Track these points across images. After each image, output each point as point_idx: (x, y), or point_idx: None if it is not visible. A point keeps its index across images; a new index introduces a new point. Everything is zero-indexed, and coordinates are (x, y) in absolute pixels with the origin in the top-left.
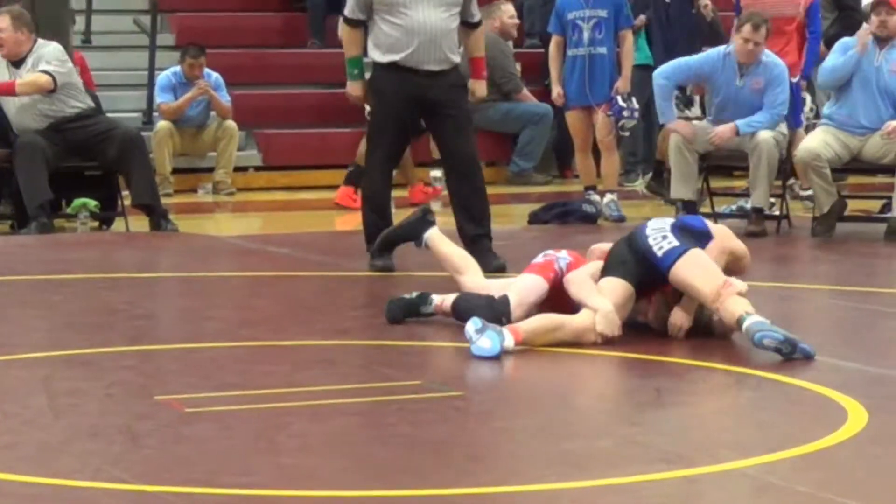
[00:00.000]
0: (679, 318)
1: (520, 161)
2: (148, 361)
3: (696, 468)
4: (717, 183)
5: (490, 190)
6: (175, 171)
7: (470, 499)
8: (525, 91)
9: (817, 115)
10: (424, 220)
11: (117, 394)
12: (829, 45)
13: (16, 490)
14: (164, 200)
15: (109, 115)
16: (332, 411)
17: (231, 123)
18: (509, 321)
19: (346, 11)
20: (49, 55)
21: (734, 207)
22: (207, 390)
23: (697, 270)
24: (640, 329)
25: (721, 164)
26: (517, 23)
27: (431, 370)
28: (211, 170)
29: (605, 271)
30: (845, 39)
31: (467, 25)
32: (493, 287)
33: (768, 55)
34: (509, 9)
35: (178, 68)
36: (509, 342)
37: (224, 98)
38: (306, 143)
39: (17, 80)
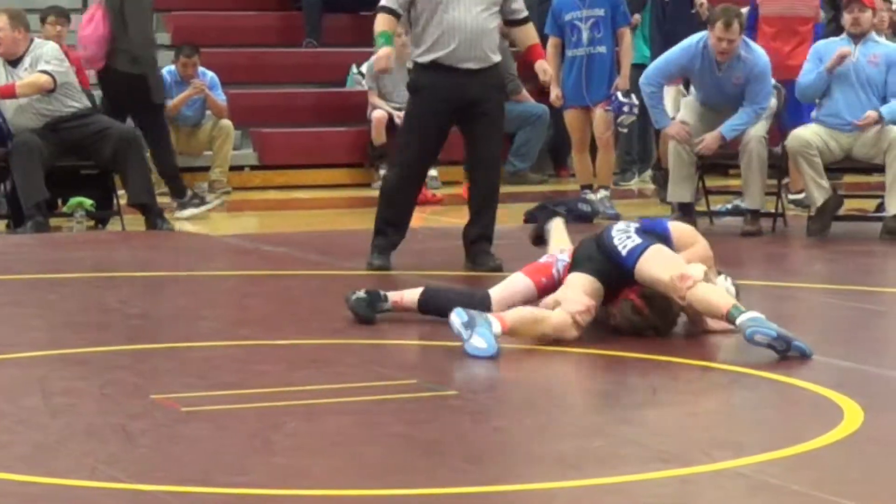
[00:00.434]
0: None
1: (516, 161)
2: (143, 361)
3: (692, 467)
4: (712, 181)
5: None
6: None
7: (465, 499)
8: (524, 92)
9: None
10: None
11: (113, 393)
12: None
13: (11, 489)
14: (159, 199)
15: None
16: (327, 411)
17: (227, 122)
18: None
19: (384, 1)
20: (47, 54)
21: (730, 206)
22: (203, 389)
23: (661, 263)
24: None
25: (716, 161)
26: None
27: (426, 369)
28: (206, 169)
29: (573, 268)
30: (818, 45)
31: (514, 23)
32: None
33: (749, 50)
34: None
35: (173, 67)
36: (497, 329)
37: (220, 97)
38: (302, 142)
39: (17, 81)
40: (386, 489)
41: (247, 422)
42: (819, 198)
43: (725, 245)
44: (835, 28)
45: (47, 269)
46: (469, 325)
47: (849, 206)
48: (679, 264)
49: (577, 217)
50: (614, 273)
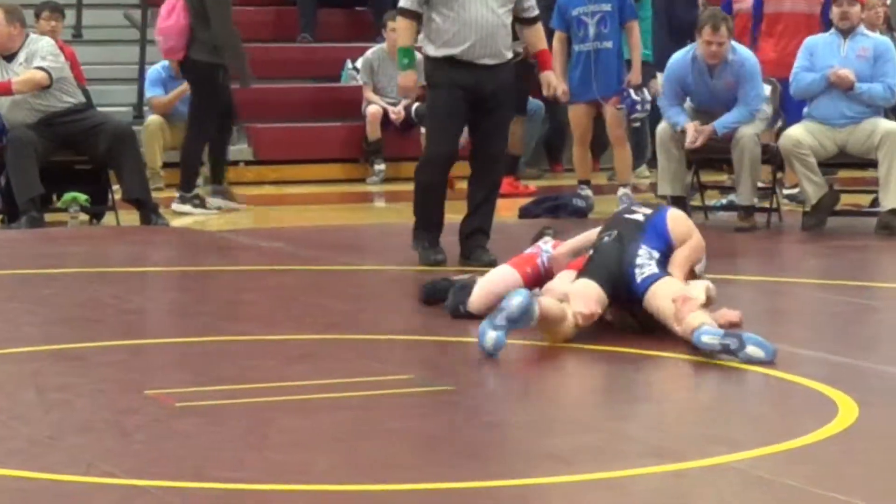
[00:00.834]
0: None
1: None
2: (138, 356)
3: (686, 462)
4: (706, 177)
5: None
6: (165, 165)
7: (459, 494)
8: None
9: None
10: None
11: (107, 388)
12: None
13: (6, 485)
14: (154, 195)
15: (100, 109)
16: (322, 406)
17: None
18: (466, 310)
19: (403, 2)
20: (43, 50)
21: (724, 201)
22: (197, 385)
23: (666, 291)
24: None
25: (710, 156)
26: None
27: (421, 364)
28: (201, 164)
29: (588, 269)
30: (809, 42)
31: (524, 21)
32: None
33: (737, 51)
34: None
35: (167, 62)
36: (533, 319)
37: None
38: (297, 137)
39: (13, 78)
40: (381, 484)
41: (242, 417)
42: (814, 195)
43: (720, 240)
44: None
45: (42, 264)
46: (513, 321)
47: (844, 200)
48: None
49: (572, 212)
50: (624, 291)
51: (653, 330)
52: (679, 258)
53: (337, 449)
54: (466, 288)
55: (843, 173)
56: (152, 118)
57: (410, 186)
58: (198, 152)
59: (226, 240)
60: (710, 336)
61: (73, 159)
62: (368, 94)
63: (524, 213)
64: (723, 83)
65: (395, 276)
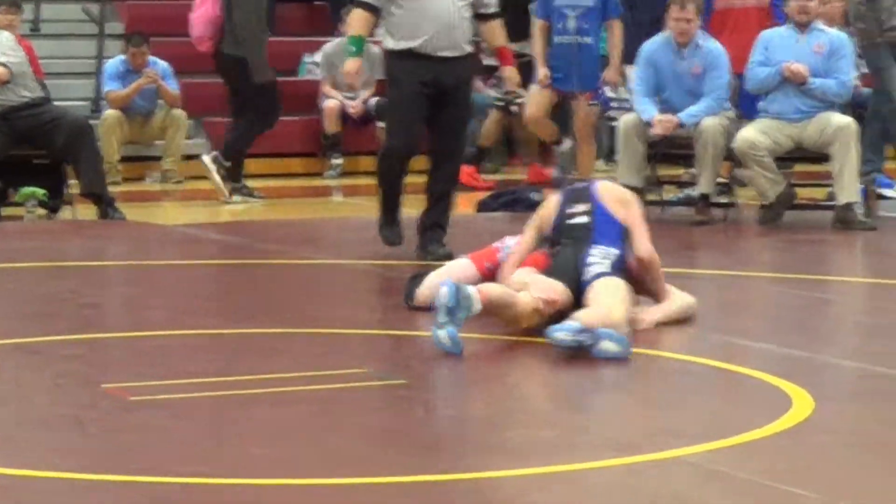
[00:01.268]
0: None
1: (468, 150)
2: (95, 350)
3: (641, 456)
4: (664, 171)
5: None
6: (123, 159)
7: (418, 488)
8: (478, 83)
9: None
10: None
11: (64, 383)
12: None
13: None
14: (111, 189)
15: (58, 103)
16: (279, 400)
17: (179, 112)
18: (411, 301)
19: None
20: (2, 45)
21: (681, 195)
22: (154, 379)
23: (601, 290)
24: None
25: (669, 151)
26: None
27: (378, 358)
28: (159, 158)
29: (552, 274)
30: (764, 35)
31: (483, 17)
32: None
33: (706, 39)
34: None
35: (124, 56)
36: (476, 308)
37: (172, 86)
38: None
39: None
40: (339, 478)
41: (199, 411)
42: (771, 192)
43: (677, 234)
44: None
45: None
46: (451, 312)
47: (800, 194)
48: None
49: (530, 206)
50: (580, 293)
51: None
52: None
53: (294, 443)
54: (419, 279)
55: (799, 167)
56: (109, 112)
57: (368, 180)
58: (244, 144)
59: (183, 234)
60: (562, 332)
61: (31, 153)
62: (326, 88)
63: (482, 207)
64: (691, 67)
65: (353, 270)
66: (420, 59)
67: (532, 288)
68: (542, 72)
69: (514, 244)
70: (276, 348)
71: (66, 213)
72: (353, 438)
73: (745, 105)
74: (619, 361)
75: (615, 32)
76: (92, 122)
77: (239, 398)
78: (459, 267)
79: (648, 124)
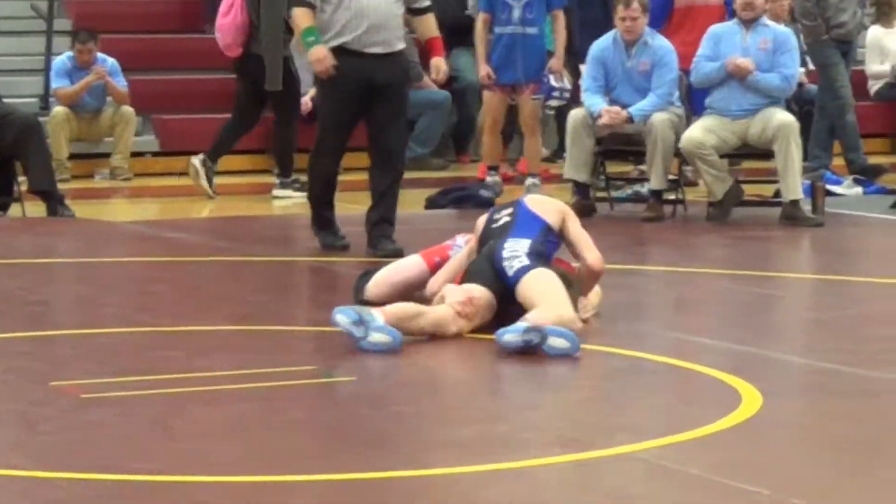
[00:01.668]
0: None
1: (417, 147)
2: (44, 347)
3: (592, 452)
4: (613, 168)
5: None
6: (72, 156)
7: (365, 484)
8: (426, 79)
9: None
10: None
11: (13, 380)
12: None
13: None
14: (60, 186)
15: (6, 100)
16: (229, 397)
17: (128, 109)
18: (361, 297)
19: None
20: None
21: (629, 192)
22: (104, 376)
23: (537, 286)
24: None
25: (617, 148)
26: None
27: (326, 355)
28: (108, 155)
29: (466, 279)
30: (712, 30)
31: (416, 11)
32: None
33: (655, 37)
34: None
35: (71, 53)
36: (380, 322)
37: (120, 83)
38: (203, 128)
39: None
40: (288, 475)
41: (149, 408)
42: (719, 190)
43: (626, 230)
44: None
45: None
46: (360, 322)
47: (748, 191)
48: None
49: (478, 204)
50: (503, 289)
51: None
52: (576, 233)
53: (243, 439)
54: (368, 275)
55: (747, 164)
56: (58, 109)
57: None
58: (292, 139)
59: (133, 231)
60: (510, 334)
61: None
62: None
63: (430, 204)
64: (639, 65)
65: (302, 267)
66: (351, 55)
67: (447, 296)
68: (484, 70)
69: (464, 242)
70: (226, 345)
71: (15, 210)
72: (301, 436)
73: (696, 102)
74: (571, 358)
75: (559, 22)
76: (41, 119)
77: (188, 395)
78: (409, 264)
79: (598, 116)
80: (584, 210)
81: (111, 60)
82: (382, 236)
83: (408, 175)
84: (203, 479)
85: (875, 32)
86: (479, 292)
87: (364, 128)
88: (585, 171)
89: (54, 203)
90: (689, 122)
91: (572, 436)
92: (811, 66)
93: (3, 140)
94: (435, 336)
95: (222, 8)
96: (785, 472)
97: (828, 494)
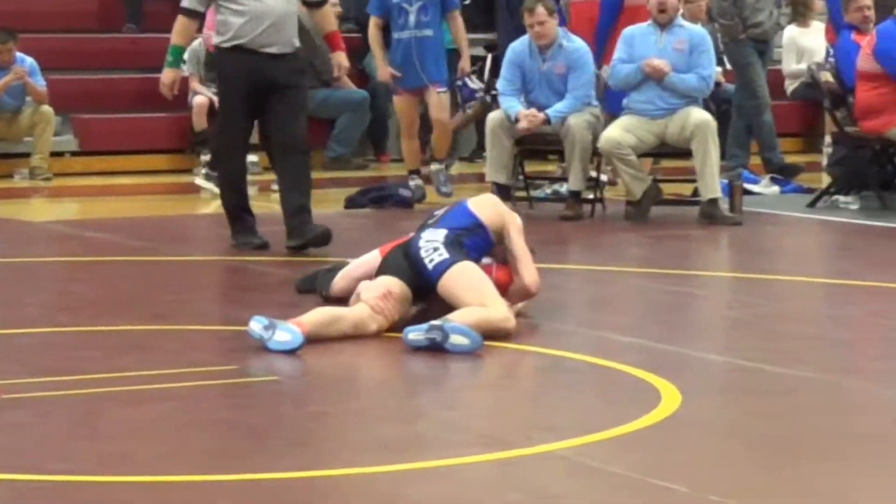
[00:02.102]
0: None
1: (336, 146)
2: None
3: (512, 450)
4: (532, 167)
5: None
6: None
7: (286, 483)
8: (345, 78)
9: None
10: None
11: None
12: None
13: None
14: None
15: None
16: (151, 396)
17: (47, 108)
18: (327, 293)
19: (185, 2)
20: None
21: (549, 192)
22: (24, 376)
23: (463, 283)
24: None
25: (535, 148)
26: (339, 10)
27: (248, 355)
28: (27, 155)
29: (380, 272)
30: (626, 32)
31: (312, 5)
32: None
33: (570, 40)
34: None
35: None
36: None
37: (39, 83)
38: (123, 128)
39: None
40: (209, 475)
41: (70, 408)
42: (637, 190)
43: (545, 229)
44: None
45: None
46: (269, 327)
47: (667, 190)
48: (483, 285)
49: (397, 203)
50: (421, 282)
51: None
52: (518, 248)
53: (166, 439)
54: (333, 272)
55: (666, 163)
56: None
57: None
58: None
59: (52, 230)
60: (415, 333)
61: None
62: (195, 84)
63: (350, 203)
64: (555, 68)
65: (222, 267)
66: (248, 54)
67: (363, 294)
68: (386, 72)
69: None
70: (147, 345)
71: None
72: (224, 435)
73: (613, 102)
74: (491, 357)
75: (457, 23)
76: None
77: (110, 395)
78: (370, 258)
79: (515, 120)
80: None
81: (30, 60)
82: (308, 222)
83: (328, 175)
84: (124, 478)
85: (791, 32)
86: (394, 286)
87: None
88: (505, 173)
89: None
90: (606, 122)
91: (493, 435)
92: (728, 66)
93: None
94: (360, 336)
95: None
96: (704, 470)
97: (746, 492)
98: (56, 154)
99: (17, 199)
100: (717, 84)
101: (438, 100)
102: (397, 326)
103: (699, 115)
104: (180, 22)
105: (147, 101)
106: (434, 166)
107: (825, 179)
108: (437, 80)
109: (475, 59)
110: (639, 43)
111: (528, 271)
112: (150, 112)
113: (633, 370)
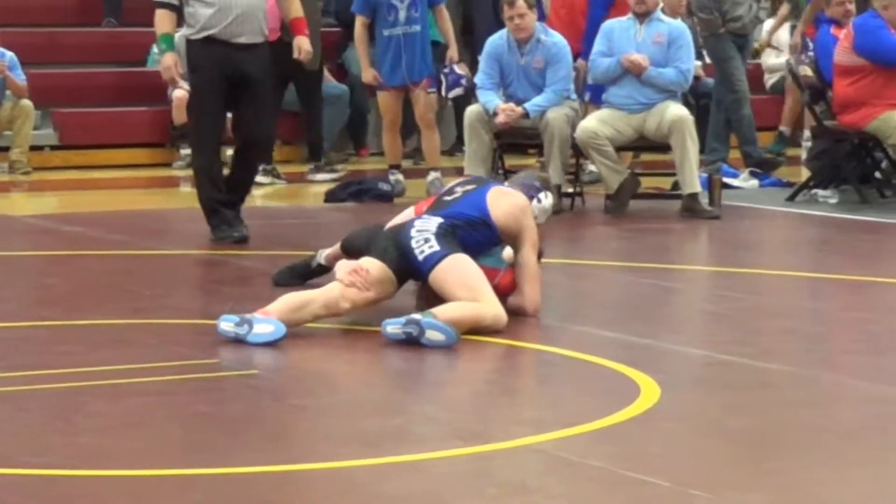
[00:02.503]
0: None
1: None
2: None
3: (490, 444)
4: (511, 161)
5: (286, 169)
6: None
7: (265, 477)
8: (325, 72)
9: None
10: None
11: None
12: None
13: None
14: None
15: None
16: (129, 391)
17: (27, 102)
18: (319, 263)
19: None
20: None
21: None
22: (1, 371)
23: (454, 277)
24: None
25: (515, 142)
26: (320, 4)
27: (227, 348)
28: (6, 149)
29: (366, 253)
30: (605, 26)
31: None
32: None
33: (549, 34)
34: None
35: None
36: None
37: (19, 77)
38: (102, 122)
39: None
40: (188, 469)
41: (48, 403)
42: (614, 182)
43: None
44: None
45: None
46: (242, 322)
47: (647, 183)
48: (475, 279)
49: (377, 197)
50: (407, 268)
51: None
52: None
53: (144, 433)
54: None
55: (646, 156)
56: None
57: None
58: (311, 125)
59: (30, 224)
60: (393, 326)
61: None
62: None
63: (330, 197)
64: (533, 62)
65: (201, 261)
66: (220, 45)
67: (337, 273)
68: (370, 74)
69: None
70: (126, 339)
71: None
72: (203, 429)
73: (598, 93)
74: (470, 351)
75: (444, 17)
76: None
77: (88, 389)
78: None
79: (494, 114)
80: None
81: (9, 54)
82: (237, 216)
83: (307, 168)
84: (101, 472)
85: (770, 26)
86: (372, 265)
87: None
88: (484, 167)
89: None
90: (585, 114)
91: (471, 428)
92: (707, 60)
93: None
94: (338, 328)
95: None
96: (683, 463)
97: (725, 485)
98: (35, 148)
99: None
100: (697, 78)
101: (426, 100)
102: (377, 319)
103: (676, 111)
104: (159, 14)
105: (127, 95)
106: (431, 176)
107: (804, 173)
108: (425, 76)
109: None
110: (618, 36)
111: (533, 292)
112: (130, 106)
113: (612, 364)
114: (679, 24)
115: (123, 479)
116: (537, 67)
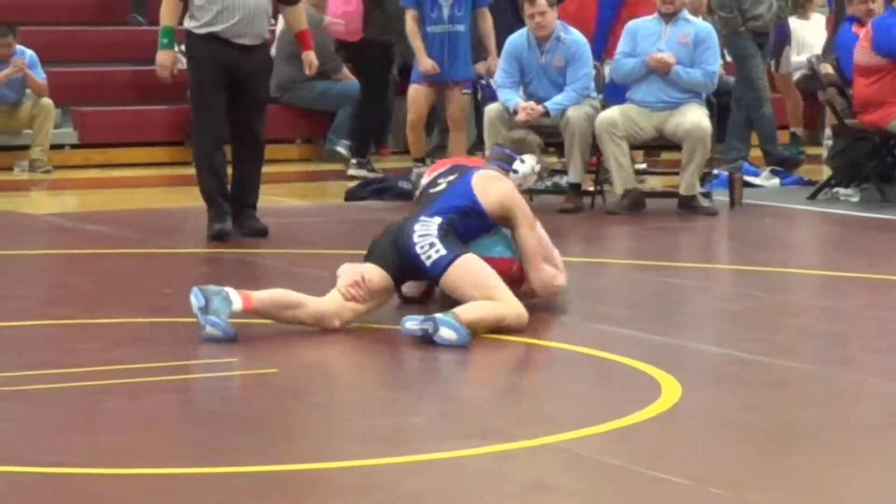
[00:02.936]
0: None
1: (336, 138)
2: None
3: (511, 443)
4: None
5: (306, 167)
6: None
7: (284, 476)
8: (344, 70)
9: None
10: None
11: None
12: None
13: None
14: None
15: None
16: (147, 389)
17: (47, 101)
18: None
19: None
20: None
21: (549, 184)
22: (20, 369)
23: (468, 280)
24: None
25: None
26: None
27: (246, 347)
28: (27, 147)
29: (367, 258)
30: (630, 26)
31: (285, 1)
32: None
33: (569, 32)
34: None
35: None
36: (237, 306)
37: (39, 75)
38: (122, 120)
39: None
40: (206, 467)
41: (66, 401)
42: (619, 185)
43: (544, 221)
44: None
45: None
46: (205, 309)
47: (665, 183)
48: (487, 278)
49: (397, 195)
50: (407, 271)
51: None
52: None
53: (162, 432)
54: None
55: (666, 155)
56: None
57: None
58: (370, 118)
59: (51, 223)
60: (411, 322)
61: None
62: None
63: (350, 196)
64: (553, 61)
65: (220, 260)
66: (221, 43)
67: (340, 278)
68: (427, 62)
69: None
70: (145, 338)
71: None
72: (222, 428)
73: (615, 94)
74: (489, 349)
75: (486, 20)
76: None
77: (107, 388)
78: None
79: (514, 112)
80: None
81: (30, 52)
82: (251, 217)
83: (327, 167)
84: (119, 471)
85: (792, 24)
86: (373, 273)
87: (286, 120)
88: None
89: None
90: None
91: (491, 427)
92: (728, 58)
93: None
94: (355, 327)
95: None
96: (703, 462)
97: (745, 484)
98: (56, 146)
99: (16, 191)
100: (718, 77)
101: (461, 100)
102: (393, 318)
103: (695, 118)
104: (165, 3)
105: (147, 93)
106: None
107: (826, 172)
108: (464, 78)
109: None
110: (642, 36)
111: (535, 271)
112: (150, 104)
113: (632, 362)
114: (706, 26)
115: (142, 478)
116: (558, 66)
